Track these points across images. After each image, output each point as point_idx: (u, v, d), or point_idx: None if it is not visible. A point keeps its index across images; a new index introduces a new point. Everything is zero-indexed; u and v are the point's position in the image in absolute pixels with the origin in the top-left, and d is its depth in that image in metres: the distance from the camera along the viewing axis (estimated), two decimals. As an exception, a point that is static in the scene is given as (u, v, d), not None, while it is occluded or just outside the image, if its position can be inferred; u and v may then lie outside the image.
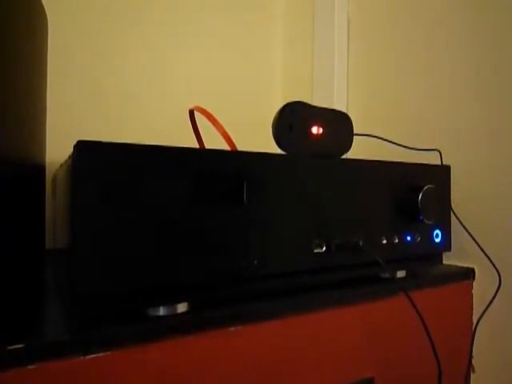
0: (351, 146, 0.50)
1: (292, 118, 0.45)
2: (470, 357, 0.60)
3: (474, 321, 0.60)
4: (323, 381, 0.43)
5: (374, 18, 0.81)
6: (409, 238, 0.50)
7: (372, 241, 0.47)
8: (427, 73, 0.70)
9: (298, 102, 0.46)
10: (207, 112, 0.49)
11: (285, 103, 0.45)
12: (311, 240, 0.42)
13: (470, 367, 0.60)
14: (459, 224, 0.60)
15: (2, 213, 0.32)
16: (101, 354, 0.31)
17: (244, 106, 0.91)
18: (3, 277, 0.32)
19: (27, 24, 0.38)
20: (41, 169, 0.45)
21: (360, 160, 0.47)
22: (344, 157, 0.50)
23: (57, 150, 0.52)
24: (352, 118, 0.51)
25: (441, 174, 0.56)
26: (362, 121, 0.77)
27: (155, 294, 0.34)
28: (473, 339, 0.59)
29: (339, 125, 0.50)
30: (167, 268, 0.33)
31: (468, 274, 0.60)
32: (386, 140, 0.60)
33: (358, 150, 0.54)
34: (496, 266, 0.57)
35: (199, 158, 0.36)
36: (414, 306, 0.40)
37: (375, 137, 0.60)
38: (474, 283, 0.61)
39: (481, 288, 0.60)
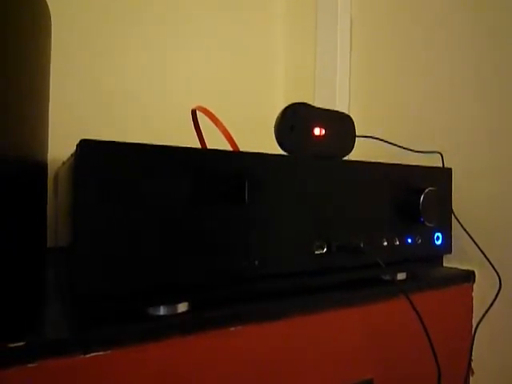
0: (353, 147, 0.51)
1: (294, 120, 0.45)
2: (470, 359, 0.60)
3: (474, 324, 0.60)
4: (323, 381, 0.43)
5: (374, 18, 0.81)
6: (409, 240, 0.50)
7: (373, 242, 0.47)
8: (427, 73, 0.70)
9: (301, 103, 0.46)
10: (209, 112, 0.49)
11: (287, 104, 0.45)
12: (312, 241, 0.42)
13: (469, 370, 0.60)
14: (460, 227, 0.60)
15: (3, 211, 0.32)
16: (101, 353, 0.31)
17: (245, 106, 0.91)
18: (4, 275, 0.32)
19: (32, 23, 0.38)
20: (43, 167, 0.45)
21: (361, 162, 0.47)
22: (345, 158, 0.50)
23: (56, 150, 0.52)
24: (353, 119, 0.51)
25: (442, 177, 0.56)
26: (362, 121, 0.76)
27: (155, 294, 0.34)
28: (472, 342, 0.59)
29: (341, 126, 0.50)
30: (168, 268, 0.33)
31: (468, 276, 0.60)
32: (387, 142, 0.60)
33: (359, 151, 0.54)
34: (496, 268, 0.57)
35: (201, 157, 0.36)
36: (414, 308, 0.40)
37: (377, 139, 0.60)
38: (475, 286, 0.61)
39: (481, 291, 0.60)
